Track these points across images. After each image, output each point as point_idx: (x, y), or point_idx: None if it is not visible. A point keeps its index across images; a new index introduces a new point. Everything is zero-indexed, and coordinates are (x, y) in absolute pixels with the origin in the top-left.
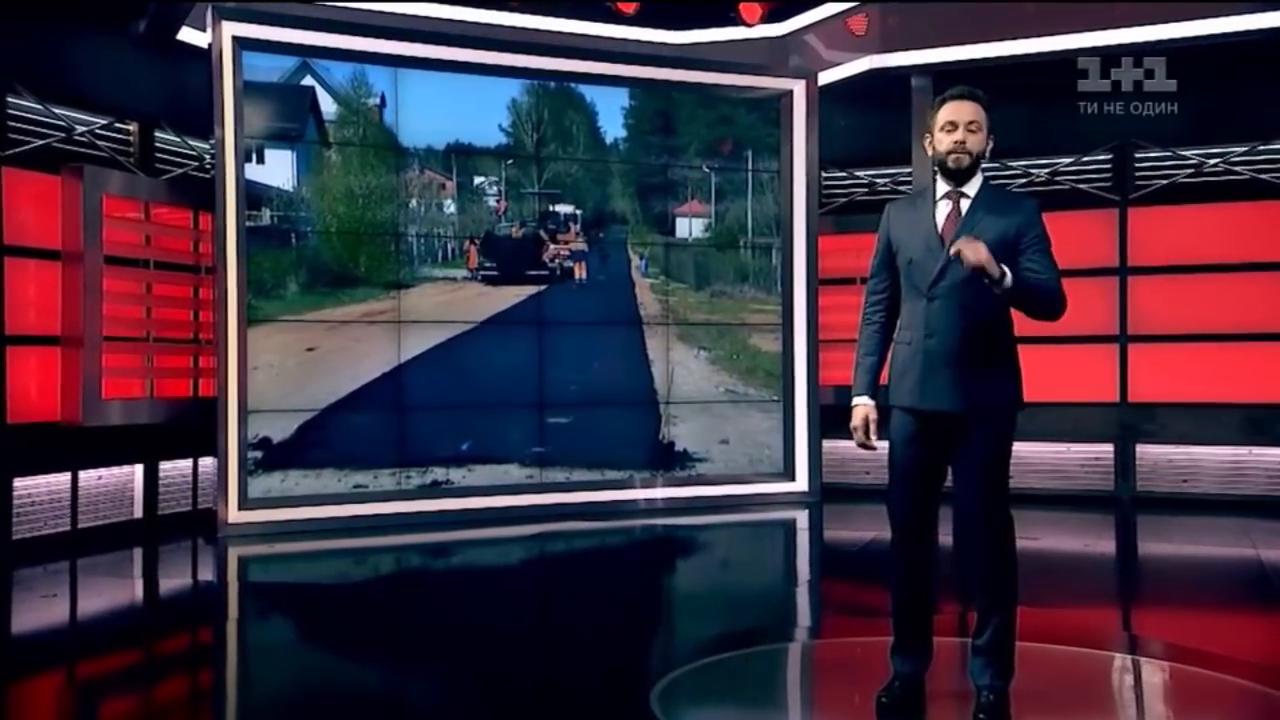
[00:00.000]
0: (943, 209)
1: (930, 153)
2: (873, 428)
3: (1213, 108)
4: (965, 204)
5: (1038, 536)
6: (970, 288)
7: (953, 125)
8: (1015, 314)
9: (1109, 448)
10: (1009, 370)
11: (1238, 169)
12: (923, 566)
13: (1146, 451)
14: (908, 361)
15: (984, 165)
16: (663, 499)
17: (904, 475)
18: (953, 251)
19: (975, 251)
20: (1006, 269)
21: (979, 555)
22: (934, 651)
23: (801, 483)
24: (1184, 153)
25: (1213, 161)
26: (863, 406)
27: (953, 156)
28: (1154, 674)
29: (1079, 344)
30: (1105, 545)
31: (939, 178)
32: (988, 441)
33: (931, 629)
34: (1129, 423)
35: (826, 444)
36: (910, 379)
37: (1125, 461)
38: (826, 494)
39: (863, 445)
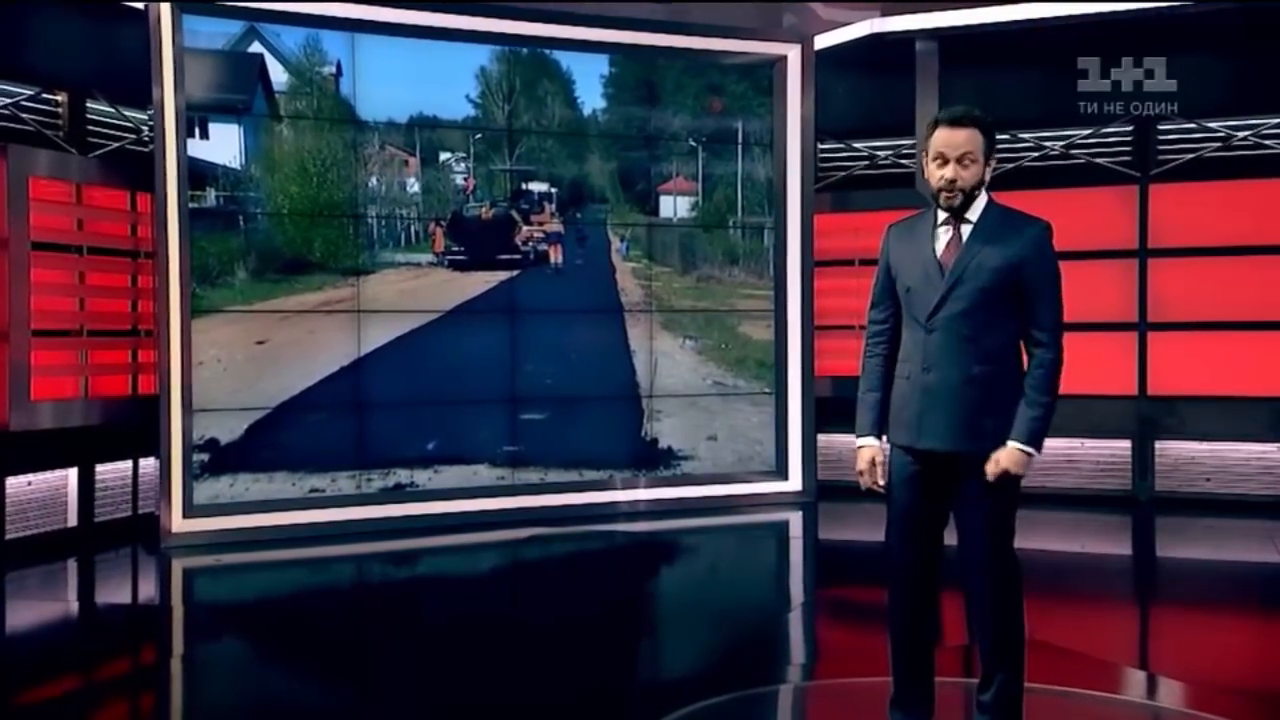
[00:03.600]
0: (943, 235)
1: (925, 178)
2: (879, 469)
3: (1241, 75)
4: (966, 230)
5: (1047, 541)
6: (972, 319)
7: (943, 159)
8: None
9: (1126, 444)
10: (1015, 408)
11: (1269, 142)
12: (923, 615)
13: (1167, 448)
14: (906, 396)
15: (994, 147)
16: (646, 501)
17: (903, 516)
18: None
19: (996, 470)
20: (1033, 451)
21: (982, 606)
22: (935, 705)
23: (795, 482)
24: (1211, 125)
25: (1242, 134)
26: (868, 448)
27: (943, 195)
28: None
29: (1094, 331)
30: (1121, 550)
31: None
32: (991, 484)
33: (933, 681)
34: (1148, 417)
35: (822, 439)
36: (909, 415)
37: (1144, 459)
38: (822, 492)
39: (870, 490)
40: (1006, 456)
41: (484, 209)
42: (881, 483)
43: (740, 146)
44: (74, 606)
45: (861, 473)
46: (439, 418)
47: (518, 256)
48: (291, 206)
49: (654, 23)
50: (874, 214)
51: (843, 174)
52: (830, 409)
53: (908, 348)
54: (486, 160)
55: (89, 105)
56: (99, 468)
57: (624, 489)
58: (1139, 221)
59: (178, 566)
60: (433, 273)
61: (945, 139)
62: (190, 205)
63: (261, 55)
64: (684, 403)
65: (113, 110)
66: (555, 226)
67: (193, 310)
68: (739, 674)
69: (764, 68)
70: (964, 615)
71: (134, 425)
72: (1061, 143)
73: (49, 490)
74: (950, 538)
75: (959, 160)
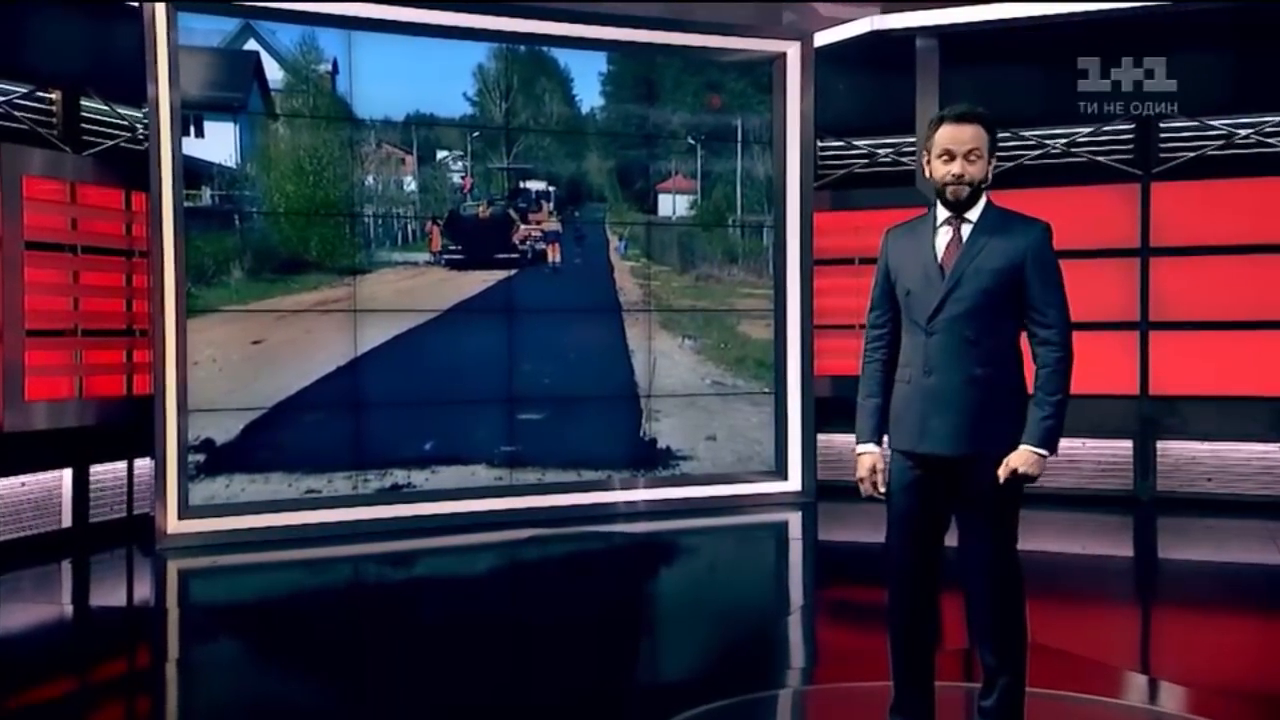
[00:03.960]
0: (943, 236)
1: (927, 176)
2: (880, 477)
3: (1242, 73)
4: (967, 229)
5: (1047, 542)
6: (972, 321)
7: (949, 155)
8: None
9: (1127, 444)
10: (1017, 411)
11: (1271, 140)
12: (923, 618)
13: (1168, 448)
14: (907, 400)
15: (996, 144)
16: (644, 501)
17: (903, 521)
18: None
19: (1007, 472)
20: (1045, 452)
21: (983, 609)
22: (936, 710)
23: (794, 482)
24: (1212, 123)
25: (1244, 133)
26: (868, 455)
27: (950, 189)
28: None
29: (1096, 330)
30: (1122, 551)
31: (939, 203)
32: (993, 489)
33: (933, 685)
34: (1149, 417)
35: (821, 438)
36: (909, 419)
37: (1145, 459)
38: (822, 492)
39: (871, 496)
40: (1018, 458)
41: (481, 207)
42: (883, 489)
43: (739, 144)
44: (68, 608)
45: (862, 480)
46: (436, 418)
47: (515, 255)
48: (287, 205)
49: (653, 20)
50: (874, 212)
51: (843, 172)
52: (830, 409)
53: (908, 351)
54: (484, 158)
55: (83, 103)
56: (94, 468)
57: (623, 489)
58: (1140, 220)
59: (173, 568)
60: (430, 272)
61: (951, 135)
62: (185, 204)
63: (257, 53)
64: (683, 402)
65: (107, 108)
66: (553, 225)
67: (188, 310)
68: (738, 678)
69: (763, 65)
70: (965, 618)
71: (129, 425)
72: (1063, 141)
73: (43, 491)
74: (951, 539)
75: (965, 156)
